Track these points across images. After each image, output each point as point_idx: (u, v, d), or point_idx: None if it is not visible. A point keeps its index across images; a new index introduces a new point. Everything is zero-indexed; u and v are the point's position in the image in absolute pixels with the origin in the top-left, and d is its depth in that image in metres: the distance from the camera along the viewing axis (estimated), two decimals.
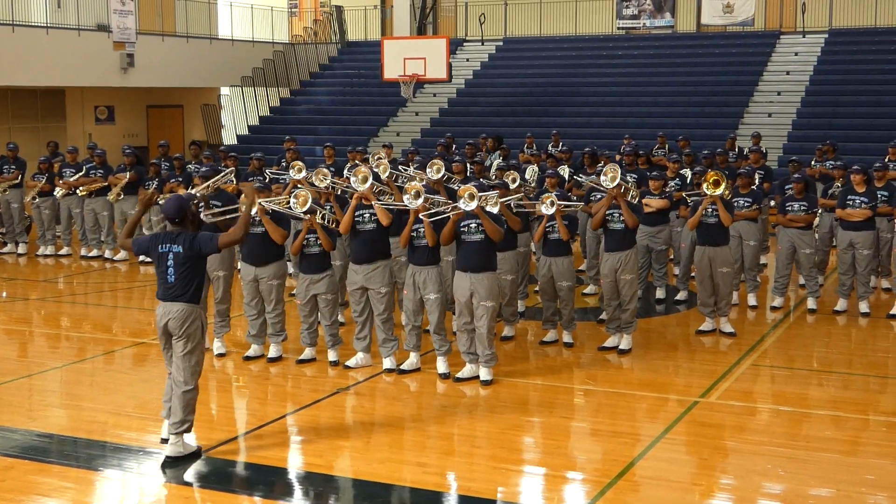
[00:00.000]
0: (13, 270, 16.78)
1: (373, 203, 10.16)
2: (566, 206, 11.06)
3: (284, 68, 33.17)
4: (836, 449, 8.31)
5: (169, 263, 7.86)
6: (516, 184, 11.62)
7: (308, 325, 10.57)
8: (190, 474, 7.79)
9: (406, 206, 9.87)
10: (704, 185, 11.35)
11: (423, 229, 9.91)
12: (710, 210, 11.48)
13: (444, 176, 11.89)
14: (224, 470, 7.96)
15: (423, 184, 10.94)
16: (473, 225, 9.73)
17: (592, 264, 13.94)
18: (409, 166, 13.66)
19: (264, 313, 10.73)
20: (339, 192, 11.04)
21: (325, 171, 10.97)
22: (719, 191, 11.27)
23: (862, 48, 28.27)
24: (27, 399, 9.86)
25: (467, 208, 9.54)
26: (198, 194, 10.79)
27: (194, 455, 8.01)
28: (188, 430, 8.02)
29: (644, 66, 29.89)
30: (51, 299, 14.57)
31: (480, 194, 9.63)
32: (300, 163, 12.31)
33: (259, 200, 10.10)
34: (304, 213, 10.01)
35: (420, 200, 9.79)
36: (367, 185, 10.16)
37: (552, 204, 10.71)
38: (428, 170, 11.79)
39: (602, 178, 10.88)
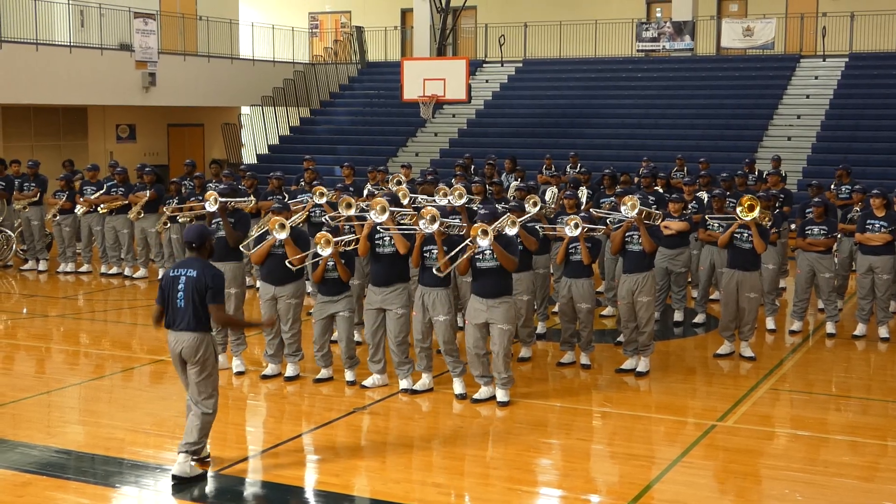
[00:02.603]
0: (33, 287, 16.88)
1: (391, 230, 10.19)
2: (590, 229, 11.04)
3: (305, 88, 33.35)
4: (854, 474, 8.26)
5: (180, 287, 7.90)
6: (537, 207, 11.61)
7: (320, 346, 10.56)
8: (206, 492, 7.81)
9: (422, 230, 9.88)
10: (739, 210, 11.31)
11: (436, 251, 9.92)
12: (745, 235, 11.44)
13: (466, 200, 11.92)
14: (240, 488, 7.98)
15: (443, 205, 10.97)
16: (488, 252, 9.70)
17: (611, 286, 13.92)
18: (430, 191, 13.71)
19: (281, 332, 10.75)
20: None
21: (351, 199, 11.03)
22: (753, 215, 11.22)
23: (882, 72, 28.20)
24: (46, 415, 9.91)
25: (483, 244, 9.50)
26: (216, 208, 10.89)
27: (200, 478, 8.01)
28: (199, 454, 8.04)
29: (663, 89, 29.90)
30: (70, 316, 14.65)
31: (492, 227, 9.59)
32: (322, 187, 12.36)
33: (282, 229, 10.19)
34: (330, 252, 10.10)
35: (436, 226, 9.80)
36: (386, 215, 10.19)
37: (576, 226, 10.69)
38: (450, 196, 11.84)
39: (623, 207, 10.86)
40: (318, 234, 10.24)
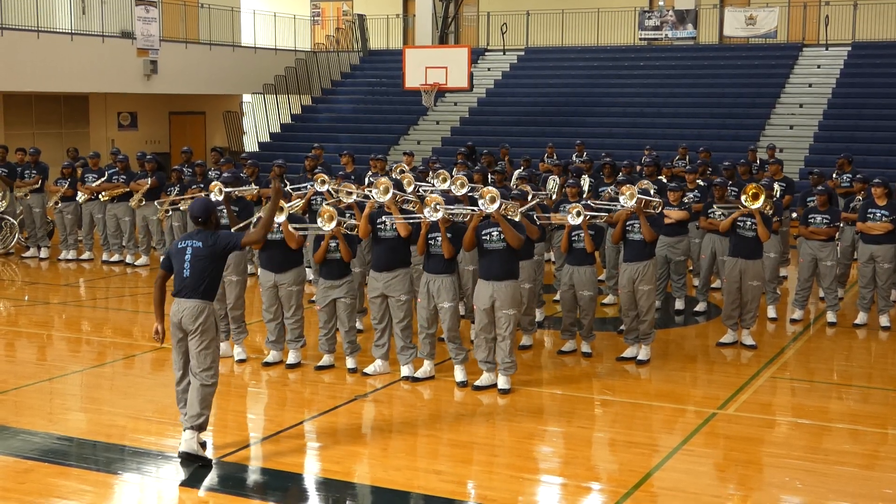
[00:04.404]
0: (35, 274, 16.89)
1: (393, 214, 10.20)
2: (592, 217, 11.04)
3: (306, 76, 33.31)
4: (854, 463, 8.27)
5: (186, 257, 8.01)
6: (529, 196, 11.61)
7: (326, 331, 10.60)
8: (207, 479, 7.82)
9: (427, 218, 9.87)
10: (743, 198, 11.29)
11: (440, 238, 9.92)
12: (748, 223, 11.43)
13: (468, 190, 11.93)
14: (241, 475, 7.99)
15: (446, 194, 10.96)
16: (495, 233, 9.73)
17: (612, 274, 13.92)
18: (430, 175, 13.68)
19: (283, 319, 10.76)
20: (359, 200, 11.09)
21: (351, 185, 11.03)
22: (757, 204, 11.21)
23: (885, 61, 28.16)
24: (47, 402, 9.92)
25: (488, 210, 9.54)
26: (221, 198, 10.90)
27: (206, 463, 8.03)
28: (203, 427, 8.07)
29: (666, 78, 29.87)
30: (72, 303, 14.66)
31: (502, 201, 9.63)
32: (325, 175, 12.38)
33: (281, 212, 10.15)
34: (332, 228, 10.09)
35: (440, 213, 9.80)
36: (389, 196, 10.21)
37: (579, 214, 10.69)
38: (452, 186, 11.84)
39: (620, 198, 10.88)
40: (322, 208, 10.26)
